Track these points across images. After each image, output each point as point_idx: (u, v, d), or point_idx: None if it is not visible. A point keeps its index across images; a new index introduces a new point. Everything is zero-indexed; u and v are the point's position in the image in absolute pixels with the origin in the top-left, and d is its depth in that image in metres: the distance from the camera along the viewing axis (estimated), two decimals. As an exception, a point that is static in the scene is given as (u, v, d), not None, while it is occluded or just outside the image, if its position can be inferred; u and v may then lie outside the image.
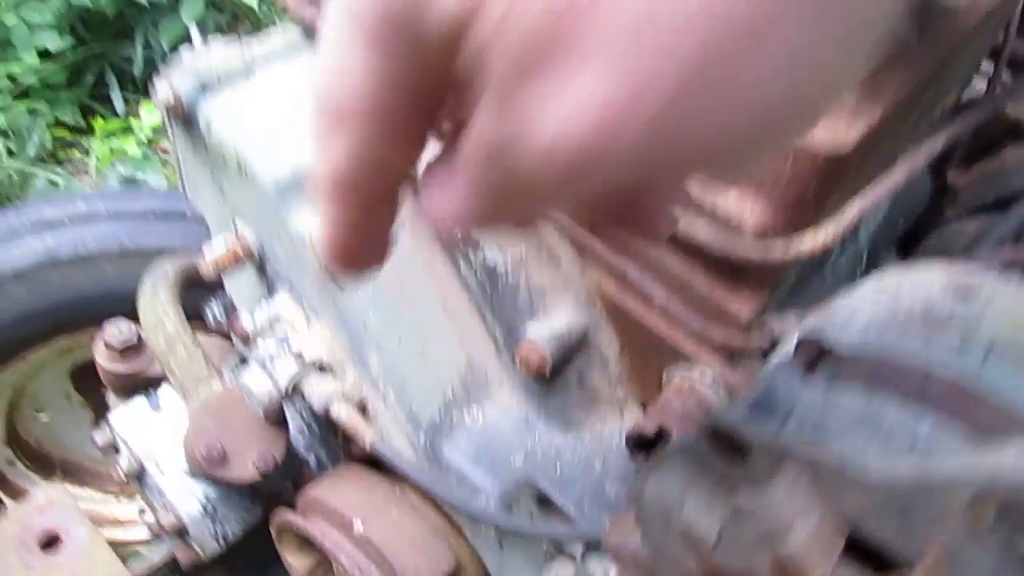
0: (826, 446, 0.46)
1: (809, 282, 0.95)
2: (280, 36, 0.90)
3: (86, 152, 2.95)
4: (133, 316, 1.15)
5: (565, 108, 0.21)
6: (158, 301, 0.96)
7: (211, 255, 0.87)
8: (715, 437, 0.50)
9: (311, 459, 1.07)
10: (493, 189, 0.25)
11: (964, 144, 1.13)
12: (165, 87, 0.82)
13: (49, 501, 0.93)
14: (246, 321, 0.87)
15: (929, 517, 0.42)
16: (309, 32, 0.90)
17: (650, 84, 0.20)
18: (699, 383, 0.82)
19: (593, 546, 0.81)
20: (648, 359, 0.88)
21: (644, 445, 0.82)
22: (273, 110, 0.84)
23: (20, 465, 1.83)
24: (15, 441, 1.84)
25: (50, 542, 0.90)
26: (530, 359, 0.84)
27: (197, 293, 1.08)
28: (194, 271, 1.04)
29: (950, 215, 1.16)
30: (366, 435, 0.83)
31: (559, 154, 0.22)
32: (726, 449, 0.50)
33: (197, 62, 0.85)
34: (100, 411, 1.93)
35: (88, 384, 1.85)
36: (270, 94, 0.85)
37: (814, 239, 0.63)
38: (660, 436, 0.80)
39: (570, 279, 0.87)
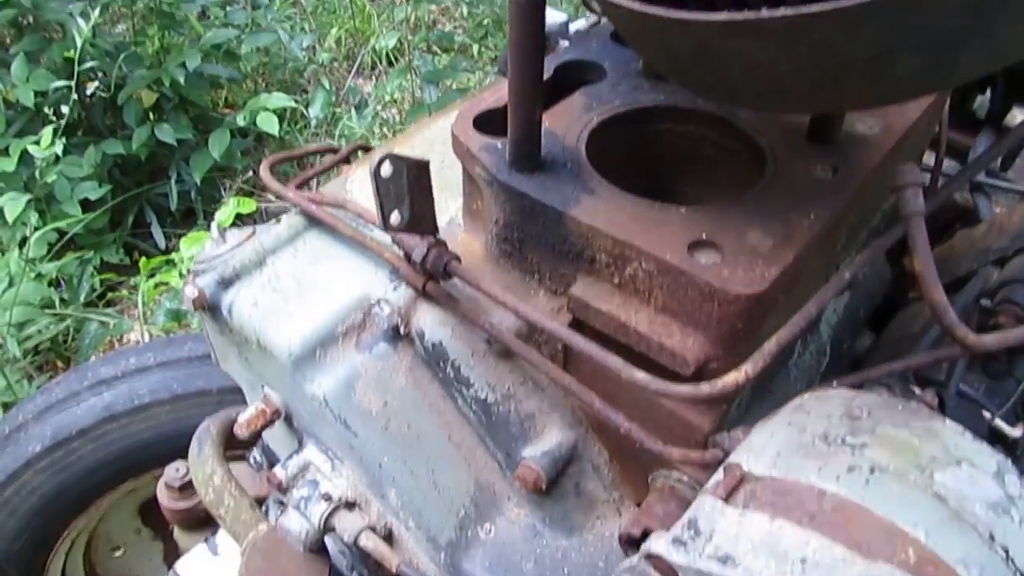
0: (734, 566, 0.57)
1: (774, 380, 1.06)
2: (286, 224, 1.05)
3: (133, 289, 3.16)
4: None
5: None
6: (204, 458, 1.10)
7: (243, 417, 1.00)
8: (651, 559, 0.61)
9: (355, 579, 1.19)
10: None
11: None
12: (191, 286, 0.97)
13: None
14: (279, 472, 1.00)
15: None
16: (311, 219, 1.05)
17: None
18: (678, 484, 0.93)
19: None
20: (634, 464, 0.99)
21: (635, 544, 0.92)
22: (283, 292, 0.98)
23: (102, 603, 1.97)
24: (96, 580, 1.98)
25: None
26: (527, 477, 0.95)
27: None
28: (233, 427, 1.18)
29: (912, 297, 1.26)
30: (392, 561, 0.95)
31: None
32: (660, 569, 0.61)
33: (216, 259, 1.00)
34: (169, 541, 2.07)
35: (155, 517, 1.99)
36: (280, 278, 1.00)
37: (736, 376, 0.74)
38: (646, 535, 0.90)
39: (556, 402, 0.99)
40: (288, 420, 1.04)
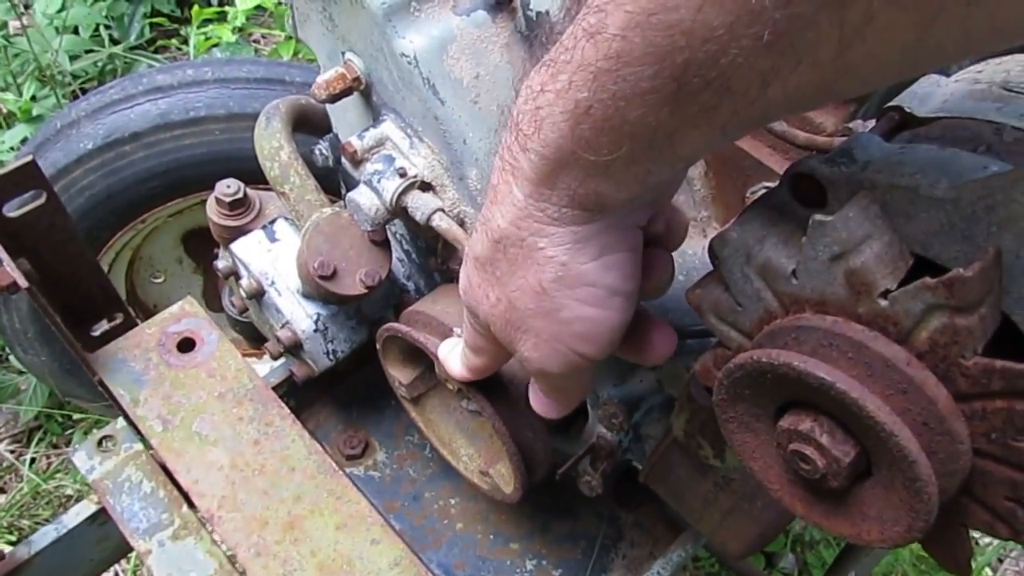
0: (901, 176, 0.50)
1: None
2: None
3: (184, 41, 3.06)
4: (241, 177, 1.24)
5: (527, 353, 0.64)
6: (273, 131, 1.04)
7: (322, 78, 0.93)
8: (795, 182, 0.54)
9: (410, 286, 1.15)
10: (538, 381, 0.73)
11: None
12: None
13: (183, 311, 1.03)
14: (355, 142, 0.94)
15: (990, 228, 0.46)
16: None
17: (543, 344, 0.62)
18: (781, 196, 0.86)
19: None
20: (732, 178, 0.92)
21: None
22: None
23: (141, 325, 1.99)
24: (136, 304, 1.99)
25: (185, 344, 1.01)
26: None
27: (307, 142, 1.15)
28: (304, 108, 1.11)
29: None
30: (466, 242, 0.90)
31: (533, 366, 0.65)
32: (805, 194, 0.54)
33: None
34: (208, 276, 2.07)
35: (198, 250, 1.98)
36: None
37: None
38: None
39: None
40: (366, 94, 0.97)
